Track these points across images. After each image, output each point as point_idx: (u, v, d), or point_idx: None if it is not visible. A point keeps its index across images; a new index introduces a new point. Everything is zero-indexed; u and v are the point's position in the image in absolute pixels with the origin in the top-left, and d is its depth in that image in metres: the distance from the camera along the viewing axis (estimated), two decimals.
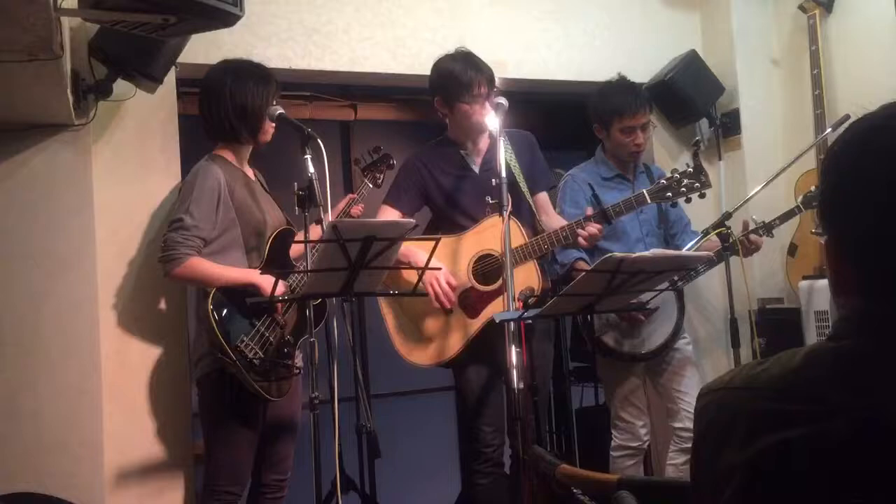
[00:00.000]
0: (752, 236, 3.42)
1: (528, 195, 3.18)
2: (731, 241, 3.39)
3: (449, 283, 3.06)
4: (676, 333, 3.45)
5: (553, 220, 3.26)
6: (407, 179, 3.27)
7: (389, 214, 3.20)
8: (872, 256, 0.94)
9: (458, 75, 3.11)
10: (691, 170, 2.99)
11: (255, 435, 2.90)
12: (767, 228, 3.46)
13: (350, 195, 3.22)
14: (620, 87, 3.62)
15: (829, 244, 0.99)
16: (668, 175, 3.06)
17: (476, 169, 3.24)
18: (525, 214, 3.16)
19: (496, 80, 3.20)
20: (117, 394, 3.18)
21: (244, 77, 2.95)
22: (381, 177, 3.30)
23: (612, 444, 3.52)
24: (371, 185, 3.26)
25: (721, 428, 0.98)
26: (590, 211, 3.07)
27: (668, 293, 3.34)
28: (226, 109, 2.93)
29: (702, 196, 3.04)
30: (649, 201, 3.02)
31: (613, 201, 3.16)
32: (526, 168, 3.23)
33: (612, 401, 3.54)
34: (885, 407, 0.87)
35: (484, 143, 3.26)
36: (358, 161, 3.37)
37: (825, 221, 1.00)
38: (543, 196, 3.34)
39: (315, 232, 2.92)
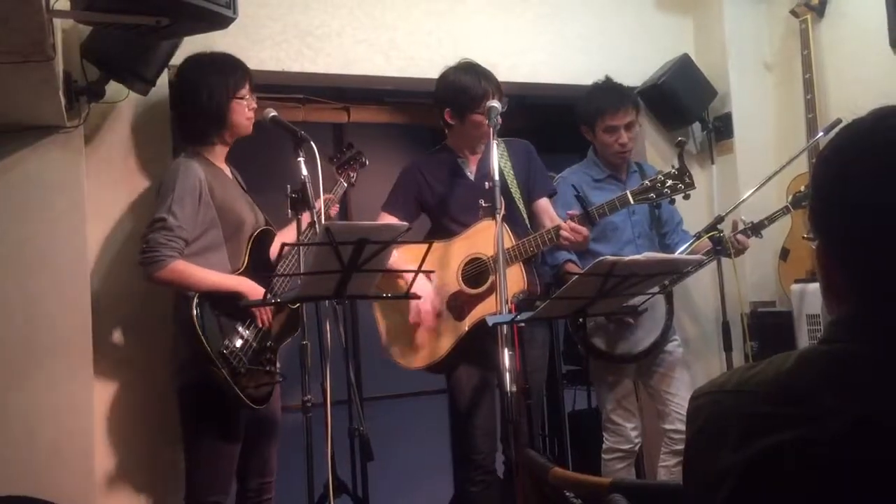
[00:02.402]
0: (740, 236, 3.44)
1: (520, 202, 3.20)
2: (723, 243, 3.40)
3: (433, 306, 3.12)
4: (666, 334, 3.46)
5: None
6: (404, 187, 3.30)
7: (388, 221, 3.21)
8: (861, 260, 0.95)
9: (471, 87, 3.14)
10: (675, 171, 3.00)
11: (238, 443, 2.86)
12: (755, 229, 3.48)
13: (326, 195, 3.19)
14: (604, 88, 3.65)
15: (819, 248, 1.00)
16: (653, 176, 3.07)
17: (471, 176, 3.26)
18: (518, 221, 3.17)
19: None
20: (108, 397, 3.16)
21: (201, 73, 2.90)
22: (355, 175, 3.30)
23: (604, 446, 3.53)
24: (345, 184, 3.26)
25: (714, 431, 0.98)
26: (573, 212, 3.08)
27: (658, 296, 3.35)
28: (190, 110, 2.91)
29: (686, 197, 3.05)
30: (632, 202, 3.03)
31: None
32: (523, 176, 3.26)
33: (604, 403, 3.54)
34: (877, 408, 0.87)
35: (481, 152, 3.29)
36: (332, 159, 3.35)
37: (815, 226, 1.00)
38: (545, 202, 3.35)
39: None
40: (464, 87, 3.15)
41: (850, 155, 0.97)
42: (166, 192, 2.79)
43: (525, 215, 3.23)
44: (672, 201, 3.07)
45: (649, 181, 3.03)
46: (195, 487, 2.83)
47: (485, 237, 3.06)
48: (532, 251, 3.06)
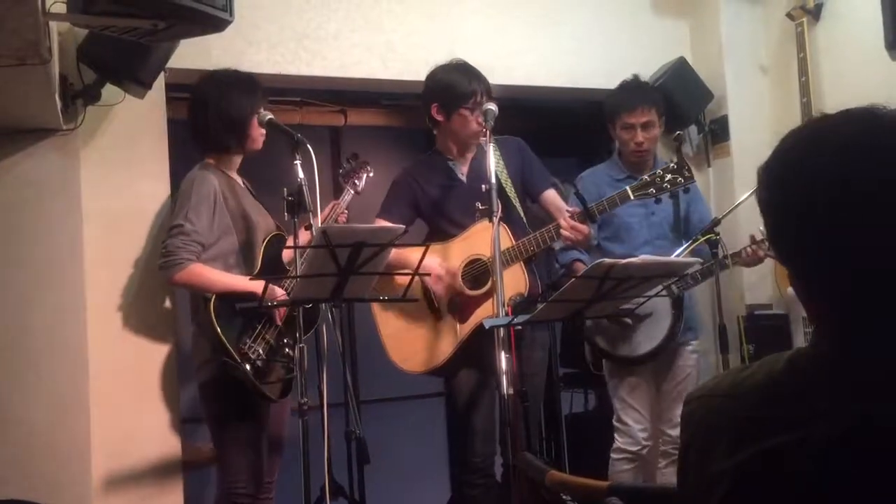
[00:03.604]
0: (754, 247, 3.35)
1: (516, 202, 3.19)
2: (718, 246, 3.38)
3: (449, 270, 3.10)
4: (671, 340, 3.43)
5: (564, 215, 3.26)
6: (397, 194, 3.29)
7: None
8: (818, 270, 0.97)
9: (459, 84, 3.14)
10: (674, 165, 3.00)
11: (263, 434, 2.93)
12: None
13: (333, 202, 3.23)
14: (628, 86, 3.66)
15: (788, 273, 1.02)
16: (651, 172, 3.07)
17: (463, 179, 3.25)
18: (515, 221, 3.17)
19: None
20: (105, 400, 3.16)
21: (229, 88, 2.98)
22: (360, 183, 3.32)
23: (613, 446, 3.52)
24: (352, 192, 3.27)
25: (707, 435, 0.99)
26: (573, 209, 3.07)
27: (663, 300, 3.33)
28: (213, 121, 2.96)
29: (686, 191, 3.07)
30: (632, 198, 3.02)
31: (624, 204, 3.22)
32: (518, 174, 3.25)
33: (614, 402, 3.54)
34: (866, 410, 0.88)
35: (471, 153, 3.28)
36: (340, 171, 3.39)
37: (769, 242, 1.03)
38: (551, 194, 3.33)
39: (305, 237, 2.92)
40: (452, 83, 3.15)
41: (771, 184, 1.00)
42: (183, 200, 2.89)
43: (522, 214, 3.22)
44: (672, 196, 3.08)
45: (648, 177, 3.03)
46: (231, 479, 2.88)
47: (484, 238, 3.05)
48: (532, 250, 3.06)
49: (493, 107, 2.99)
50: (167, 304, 3.30)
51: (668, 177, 2.99)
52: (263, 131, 3.01)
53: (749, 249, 3.37)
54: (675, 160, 3.03)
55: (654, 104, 3.57)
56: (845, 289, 0.95)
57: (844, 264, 0.94)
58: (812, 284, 0.99)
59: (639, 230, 3.52)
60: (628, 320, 3.36)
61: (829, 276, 0.96)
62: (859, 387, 0.90)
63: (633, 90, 3.62)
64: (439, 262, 3.12)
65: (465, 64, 3.22)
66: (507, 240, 3.03)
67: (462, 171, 3.27)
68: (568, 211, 3.08)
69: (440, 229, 3.24)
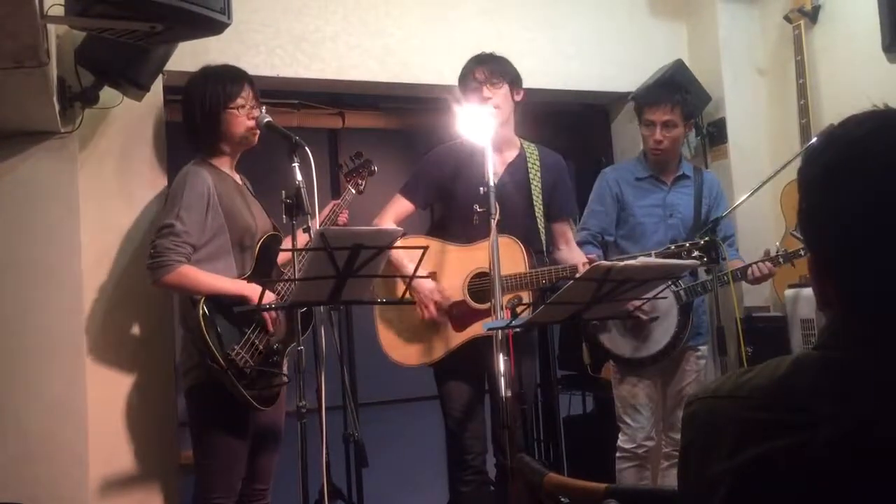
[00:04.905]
0: (762, 265, 3.33)
1: (540, 219, 3.18)
2: (718, 248, 3.38)
3: (439, 300, 3.09)
4: (675, 344, 3.42)
5: (572, 253, 3.26)
6: (428, 174, 3.26)
7: (401, 206, 3.21)
8: (852, 272, 0.95)
9: (464, 67, 3.16)
10: (705, 242, 3.03)
11: (246, 444, 2.88)
12: (788, 258, 3.33)
13: (334, 202, 3.21)
14: (657, 83, 3.70)
15: (811, 259, 1.00)
16: (680, 242, 3.08)
17: (494, 179, 3.21)
18: (534, 238, 3.15)
19: (501, 70, 3.15)
20: (102, 404, 3.15)
21: (200, 81, 2.94)
22: (363, 183, 3.30)
23: (617, 444, 3.52)
24: (354, 192, 3.26)
25: (708, 437, 0.98)
26: (592, 256, 3.13)
27: (671, 305, 3.34)
28: (187, 117, 2.95)
29: (707, 272, 3.20)
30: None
31: (641, 203, 3.32)
32: (548, 190, 3.23)
33: (616, 402, 3.55)
34: (869, 416, 0.87)
35: (511, 153, 3.24)
36: (341, 167, 3.37)
37: (805, 238, 1.00)
38: (562, 226, 3.32)
39: (303, 239, 2.91)
40: (462, 68, 3.18)
41: (840, 175, 0.96)
42: (175, 198, 2.82)
43: (543, 236, 3.20)
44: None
45: (675, 247, 3.05)
46: (205, 487, 2.84)
47: (500, 254, 3.03)
48: (543, 284, 3.06)
49: (491, 110, 2.99)
50: (165, 307, 3.29)
51: (696, 253, 3.01)
52: (250, 125, 2.93)
53: (756, 268, 3.34)
54: (708, 237, 3.07)
55: (678, 104, 3.53)
56: (872, 288, 0.93)
57: (879, 264, 0.92)
58: (837, 274, 0.96)
59: (654, 231, 3.51)
60: (642, 316, 3.35)
61: (861, 271, 0.94)
62: (866, 390, 0.90)
63: (657, 87, 3.66)
64: (433, 286, 3.09)
65: (482, 53, 3.21)
66: (521, 263, 3.02)
67: (496, 171, 3.22)
68: (588, 258, 3.11)
69: (450, 218, 3.23)
